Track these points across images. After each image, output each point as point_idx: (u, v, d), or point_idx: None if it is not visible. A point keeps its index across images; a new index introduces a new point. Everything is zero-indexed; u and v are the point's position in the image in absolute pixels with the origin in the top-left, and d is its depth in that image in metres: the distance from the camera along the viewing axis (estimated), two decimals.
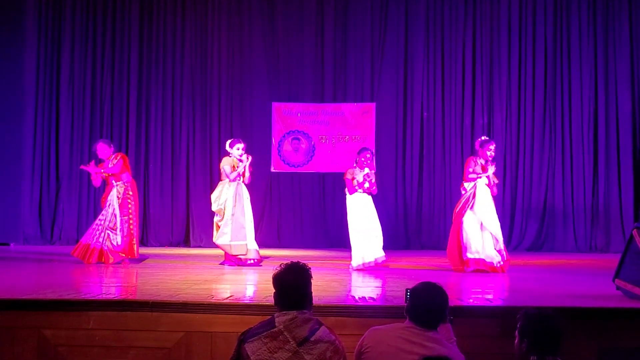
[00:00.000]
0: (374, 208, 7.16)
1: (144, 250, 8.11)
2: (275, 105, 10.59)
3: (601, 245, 9.90)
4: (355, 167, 7.16)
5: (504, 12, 10.37)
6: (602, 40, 10.18)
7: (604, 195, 9.99)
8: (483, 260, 6.73)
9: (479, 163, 6.96)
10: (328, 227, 10.28)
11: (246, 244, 7.22)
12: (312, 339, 2.79)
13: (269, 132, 10.57)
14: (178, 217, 10.53)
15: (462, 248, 6.83)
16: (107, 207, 7.25)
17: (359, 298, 4.80)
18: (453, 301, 4.29)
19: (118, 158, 7.36)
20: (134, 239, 7.31)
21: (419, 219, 10.37)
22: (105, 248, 7.15)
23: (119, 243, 7.18)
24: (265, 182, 10.44)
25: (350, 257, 7.03)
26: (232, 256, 7.26)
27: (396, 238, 9.94)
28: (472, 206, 6.84)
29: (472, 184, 6.90)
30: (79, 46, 10.59)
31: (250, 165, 7.45)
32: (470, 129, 10.29)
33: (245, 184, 7.41)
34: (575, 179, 10.12)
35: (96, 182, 7.43)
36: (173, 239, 10.48)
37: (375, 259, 7.02)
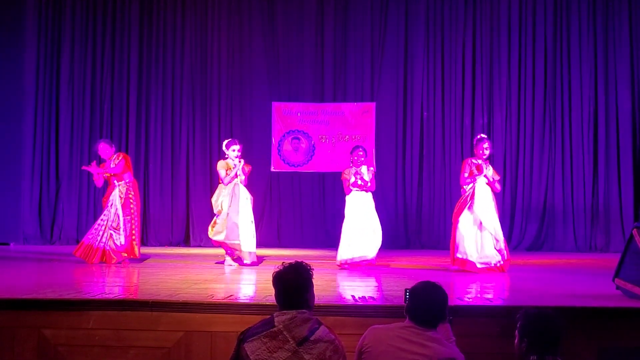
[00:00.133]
0: (372, 208, 7.15)
1: (144, 250, 8.10)
2: (275, 104, 10.59)
3: (601, 245, 9.90)
4: (351, 167, 7.17)
5: (504, 12, 10.37)
6: (602, 40, 10.18)
7: (603, 194, 9.99)
8: (469, 261, 6.73)
9: (475, 163, 6.94)
10: (328, 227, 10.26)
11: (239, 244, 7.18)
12: (311, 338, 2.79)
13: (269, 131, 10.57)
14: (178, 217, 10.53)
15: (454, 247, 6.87)
16: (109, 207, 7.24)
17: (359, 298, 4.79)
18: (453, 301, 4.30)
19: (120, 158, 7.36)
20: (135, 239, 7.32)
21: (419, 218, 10.37)
22: (108, 248, 7.15)
23: (123, 243, 7.18)
24: (265, 181, 10.45)
25: None
26: (230, 249, 7.25)
27: (396, 238, 9.95)
28: (470, 206, 6.83)
29: (471, 184, 6.89)
30: (79, 46, 10.59)
31: (248, 165, 7.40)
32: (470, 129, 10.29)
33: (243, 185, 7.38)
34: (575, 178, 10.12)
35: (98, 182, 7.43)
36: (173, 238, 10.49)
37: (363, 257, 6.98)
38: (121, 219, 7.20)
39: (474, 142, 7.09)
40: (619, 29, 10.14)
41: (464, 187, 6.94)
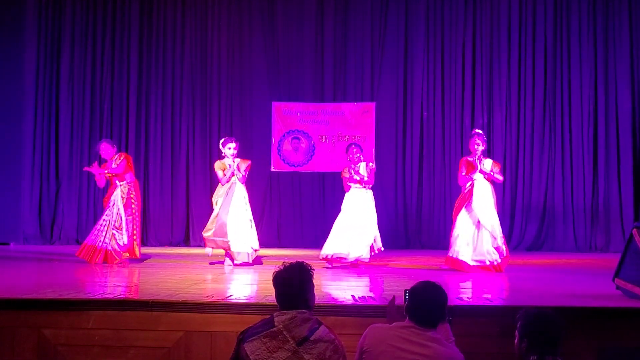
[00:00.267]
0: (370, 207, 7.11)
1: (144, 250, 8.10)
2: (275, 104, 10.59)
3: (601, 245, 9.90)
4: (349, 165, 7.18)
5: (504, 12, 10.37)
6: (602, 39, 10.18)
7: (603, 194, 9.99)
8: (460, 260, 6.73)
9: (470, 162, 6.93)
10: (328, 227, 10.13)
11: (228, 242, 7.13)
12: (311, 338, 2.79)
13: (269, 131, 10.57)
14: (178, 217, 10.54)
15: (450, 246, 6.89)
16: (111, 207, 7.24)
17: (359, 298, 4.80)
18: (452, 300, 4.30)
19: (122, 158, 7.37)
20: (136, 239, 7.32)
21: (419, 218, 10.37)
22: (110, 248, 7.14)
23: (126, 243, 7.18)
24: (265, 181, 10.46)
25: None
26: (221, 247, 7.25)
27: (396, 238, 9.96)
28: (468, 204, 6.82)
29: (469, 182, 6.88)
30: (79, 46, 10.59)
31: (245, 160, 7.36)
32: (470, 129, 10.25)
33: (242, 183, 7.33)
34: (575, 178, 10.12)
35: (100, 182, 7.43)
36: (173, 238, 10.49)
37: (343, 255, 6.95)
38: (123, 218, 7.21)
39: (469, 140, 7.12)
40: (619, 29, 10.13)
41: (464, 186, 6.94)
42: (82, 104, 10.57)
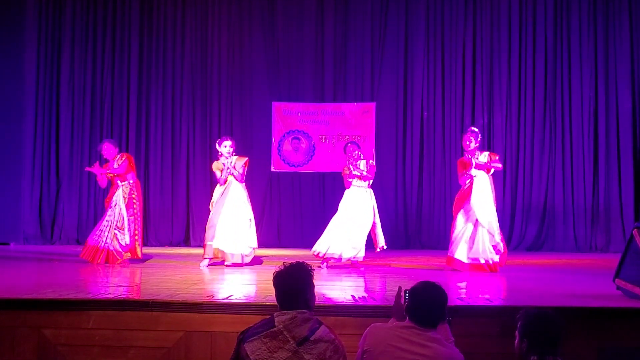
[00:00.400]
0: (369, 206, 7.09)
1: (144, 250, 8.10)
2: (275, 104, 10.59)
3: (601, 245, 9.90)
4: (349, 163, 7.19)
5: (504, 12, 10.37)
6: (602, 39, 10.18)
7: (604, 194, 9.99)
8: (456, 259, 6.74)
9: (465, 160, 6.93)
10: None
11: (211, 245, 7.07)
12: (311, 338, 2.78)
13: (269, 131, 10.57)
14: (178, 217, 10.54)
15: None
16: (112, 207, 7.25)
17: (359, 298, 4.79)
18: (453, 301, 4.30)
19: (123, 158, 7.37)
20: (138, 239, 7.32)
21: (419, 218, 10.37)
22: (112, 248, 7.15)
23: (128, 243, 7.19)
24: (265, 181, 10.46)
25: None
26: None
27: (396, 238, 9.94)
28: (467, 202, 6.81)
29: (468, 180, 6.88)
30: (79, 46, 10.60)
31: (241, 158, 7.32)
32: None
33: (241, 182, 7.29)
34: (575, 178, 10.11)
35: (102, 183, 7.43)
36: (173, 238, 10.49)
37: (333, 255, 6.93)
38: (125, 218, 7.21)
39: None
40: (619, 29, 10.13)
41: (464, 184, 6.95)
42: (82, 103, 10.57)
